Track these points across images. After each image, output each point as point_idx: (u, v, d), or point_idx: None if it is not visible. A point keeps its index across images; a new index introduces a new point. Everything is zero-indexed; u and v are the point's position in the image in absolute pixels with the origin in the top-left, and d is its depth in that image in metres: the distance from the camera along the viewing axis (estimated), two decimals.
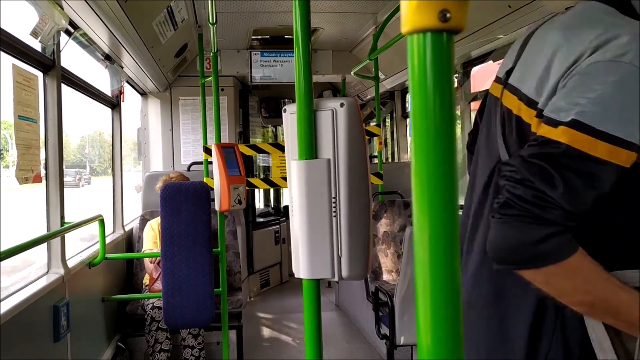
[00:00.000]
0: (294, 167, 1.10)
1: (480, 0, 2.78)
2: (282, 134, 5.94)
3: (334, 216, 1.08)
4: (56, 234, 2.54)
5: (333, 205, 1.09)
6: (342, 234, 1.08)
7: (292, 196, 1.13)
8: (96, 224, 3.19)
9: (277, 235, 6.18)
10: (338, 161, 1.09)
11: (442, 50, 0.37)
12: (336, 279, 1.09)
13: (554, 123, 0.94)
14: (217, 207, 3.21)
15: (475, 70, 4.09)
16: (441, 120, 0.37)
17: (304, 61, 1.07)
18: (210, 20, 2.93)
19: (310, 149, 1.08)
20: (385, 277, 4.19)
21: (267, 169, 6.57)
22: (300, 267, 1.09)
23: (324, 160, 1.09)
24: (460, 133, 4.25)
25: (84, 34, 2.88)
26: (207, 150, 3.86)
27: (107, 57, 3.45)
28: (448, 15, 0.37)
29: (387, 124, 6.19)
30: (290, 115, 1.14)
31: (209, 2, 2.70)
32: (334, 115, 1.09)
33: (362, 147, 1.11)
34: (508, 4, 2.70)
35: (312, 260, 1.08)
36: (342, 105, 1.09)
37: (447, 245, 0.41)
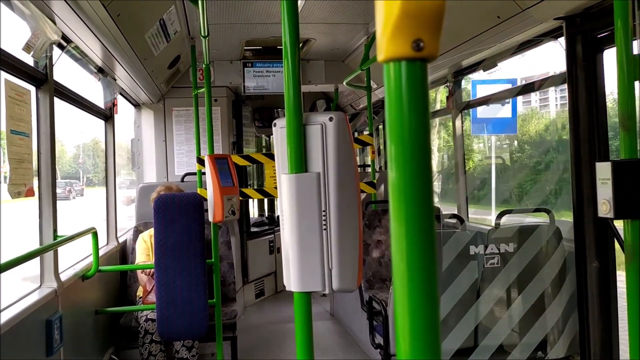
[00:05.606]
0: (284, 181, 1.11)
1: (471, 7, 2.82)
2: None
3: (324, 229, 1.10)
4: (49, 248, 2.53)
5: (323, 218, 1.10)
6: (332, 247, 1.09)
7: (283, 210, 1.14)
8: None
9: (271, 244, 6.18)
10: (328, 175, 1.10)
11: (416, 77, 0.39)
12: (327, 291, 1.10)
13: None
14: (210, 218, 3.21)
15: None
16: (417, 145, 0.39)
17: (293, 77, 1.08)
18: (203, 33, 2.95)
19: (300, 163, 1.09)
20: (380, 286, 4.19)
21: (260, 176, 6.58)
22: (291, 280, 1.11)
23: (314, 174, 1.10)
24: (452, 140, 4.28)
25: (77, 48, 2.89)
26: (201, 161, 3.87)
27: (100, 70, 3.46)
28: (422, 44, 0.38)
29: (380, 132, 6.22)
30: (280, 129, 1.15)
31: (201, 15, 2.72)
32: (323, 130, 1.10)
33: (351, 160, 1.12)
34: (497, 15, 2.74)
35: (303, 273, 1.09)
36: (331, 119, 1.11)
37: (424, 254, 0.42)
